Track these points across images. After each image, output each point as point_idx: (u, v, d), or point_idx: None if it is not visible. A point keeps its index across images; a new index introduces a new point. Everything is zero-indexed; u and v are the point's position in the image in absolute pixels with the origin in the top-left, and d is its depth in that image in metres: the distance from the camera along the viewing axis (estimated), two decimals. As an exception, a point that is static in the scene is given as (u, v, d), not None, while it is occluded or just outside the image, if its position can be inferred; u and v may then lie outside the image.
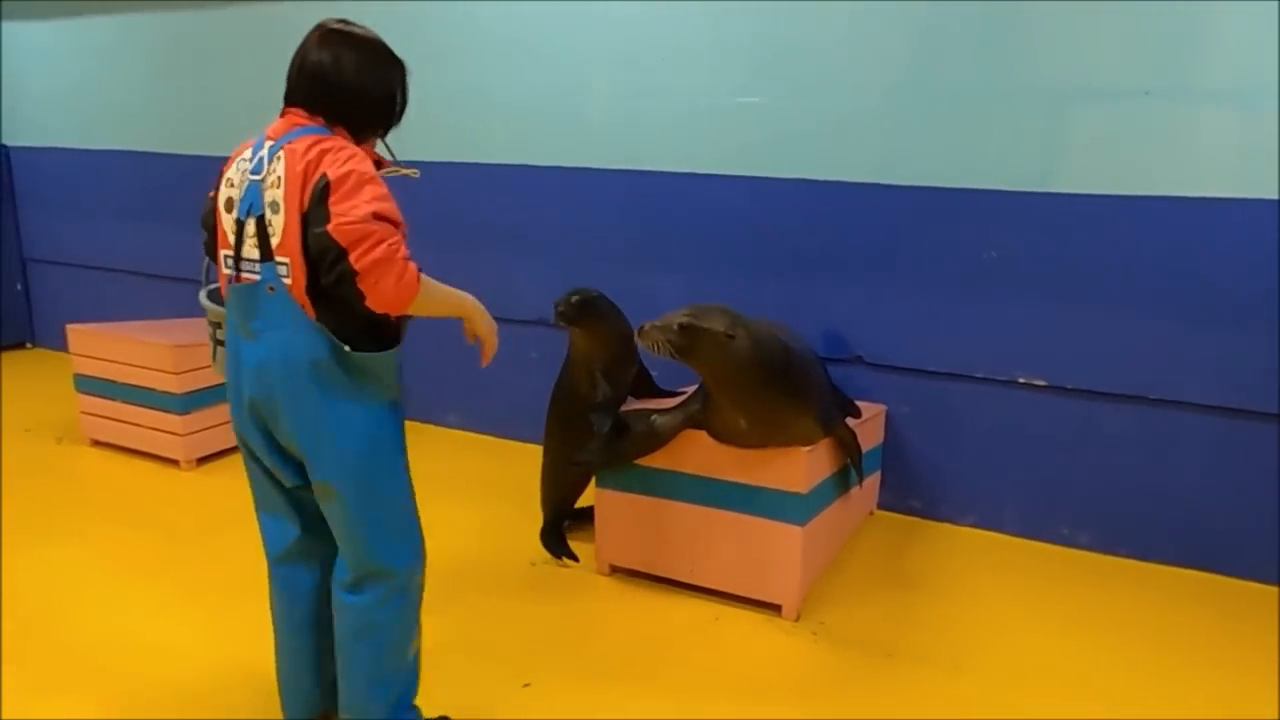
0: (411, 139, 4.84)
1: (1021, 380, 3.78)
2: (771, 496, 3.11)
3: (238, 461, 4.72)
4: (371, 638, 2.29)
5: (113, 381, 4.59)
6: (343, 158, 2.10)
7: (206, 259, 2.43)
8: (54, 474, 4.47)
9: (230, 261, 2.19)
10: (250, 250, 2.14)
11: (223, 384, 4.86)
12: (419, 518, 2.41)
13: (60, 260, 6.52)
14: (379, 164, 2.33)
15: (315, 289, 2.10)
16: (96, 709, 2.66)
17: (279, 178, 2.09)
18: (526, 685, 2.81)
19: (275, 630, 2.45)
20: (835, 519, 3.51)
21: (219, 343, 2.39)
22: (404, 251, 2.11)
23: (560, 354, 4.73)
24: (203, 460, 4.55)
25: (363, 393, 2.20)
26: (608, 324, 3.51)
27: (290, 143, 2.12)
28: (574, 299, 3.43)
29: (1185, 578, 3.59)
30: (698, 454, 3.21)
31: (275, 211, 2.10)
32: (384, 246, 2.05)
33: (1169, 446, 3.62)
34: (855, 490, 3.62)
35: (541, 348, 4.80)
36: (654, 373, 3.94)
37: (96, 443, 4.75)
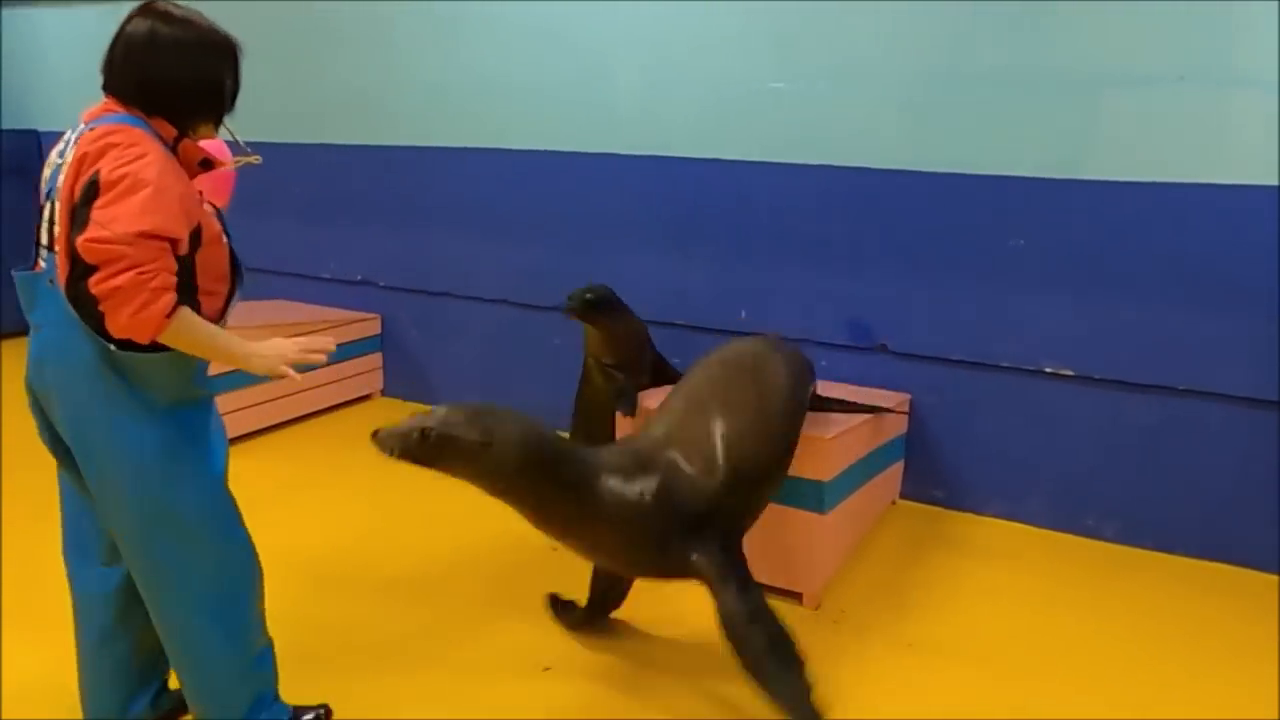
0: (435, 125, 4.92)
1: (1048, 370, 3.74)
2: (793, 484, 3.09)
3: (269, 441, 4.79)
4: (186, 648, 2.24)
5: (328, 351, 4.65)
6: (127, 156, 1.91)
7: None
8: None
9: (34, 247, 2.09)
10: (44, 237, 2.05)
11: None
12: (233, 526, 2.28)
13: (91, 244, 6.61)
14: (209, 162, 2.21)
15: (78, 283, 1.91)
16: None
17: (68, 165, 1.97)
18: (547, 669, 2.84)
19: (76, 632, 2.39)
20: (857, 508, 3.49)
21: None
22: (159, 281, 1.89)
23: (582, 341, 4.76)
24: (234, 440, 4.57)
25: (138, 397, 2.05)
26: (615, 322, 3.58)
27: (91, 130, 1.99)
28: (586, 295, 3.54)
29: (1213, 571, 3.55)
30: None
31: (57, 200, 1.99)
32: (131, 274, 1.85)
33: (1198, 438, 3.57)
34: (879, 478, 3.61)
35: (565, 335, 4.81)
36: (674, 360, 3.94)
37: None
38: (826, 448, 3.05)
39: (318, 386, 5.04)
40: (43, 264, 2.05)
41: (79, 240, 1.85)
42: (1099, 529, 3.78)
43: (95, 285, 1.84)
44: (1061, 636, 3.07)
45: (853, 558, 3.53)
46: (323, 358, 2.23)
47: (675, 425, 2.62)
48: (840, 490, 3.23)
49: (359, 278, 5.37)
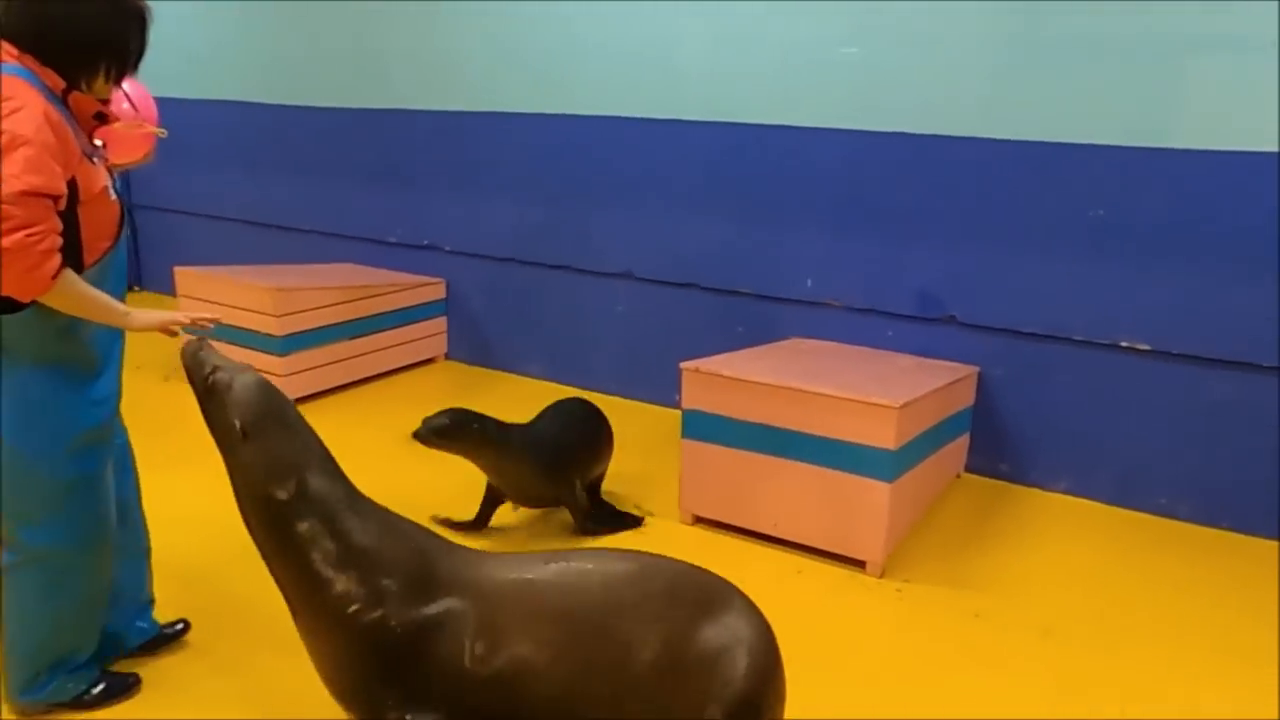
0: (504, 90, 4.93)
1: (1124, 344, 3.65)
2: (861, 452, 3.08)
3: (334, 403, 4.89)
4: (11, 595, 2.24)
5: (216, 322, 4.76)
6: (27, 113, 1.91)
7: None
8: (160, 409, 4.66)
9: None
10: None
11: (321, 327, 4.99)
12: (94, 500, 2.25)
13: (165, 207, 6.78)
14: (104, 116, 2.17)
15: None
16: (205, 627, 2.80)
17: None
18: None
19: None
20: (923, 478, 3.46)
21: None
22: (48, 243, 1.93)
23: (647, 308, 4.77)
24: (300, 400, 4.71)
25: (12, 351, 2.07)
26: (476, 446, 3.17)
27: None
28: (433, 422, 3.10)
29: (1291, 554, 3.45)
30: (788, 408, 3.19)
31: None
32: (20, 236, 1.88)
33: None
34: (945, 449, 3.57)
35: (627, 301, 4.82)
36: (738, 331, 3.91)
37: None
38: (895, 416, 3.02)
39: (384, 350, 5.12)
40: None
41: None
42: (1172, 508, 3.69)
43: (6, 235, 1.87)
44: (1133, 614, 3.02)
45: (917, 528, 3.50)
46: (207, 326, 2.31)
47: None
48: (907, 459, 3.20)
49: (425, 243, 5.44)
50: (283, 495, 1.96)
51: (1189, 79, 3.40)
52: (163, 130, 2.48)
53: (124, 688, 2.43)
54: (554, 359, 5.16)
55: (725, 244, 4.46)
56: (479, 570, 2.01)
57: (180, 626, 2.69)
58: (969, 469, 4.05)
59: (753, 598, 3.05)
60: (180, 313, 2.25)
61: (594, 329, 4.98)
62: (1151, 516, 3.71)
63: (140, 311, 2.18)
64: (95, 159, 2.16)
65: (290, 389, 4.64)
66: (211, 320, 2.31)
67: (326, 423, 4.44)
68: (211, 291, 4.79)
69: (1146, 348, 3.62)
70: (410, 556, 1.98)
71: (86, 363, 2.20)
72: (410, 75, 5.28)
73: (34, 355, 2.11)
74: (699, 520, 3.52)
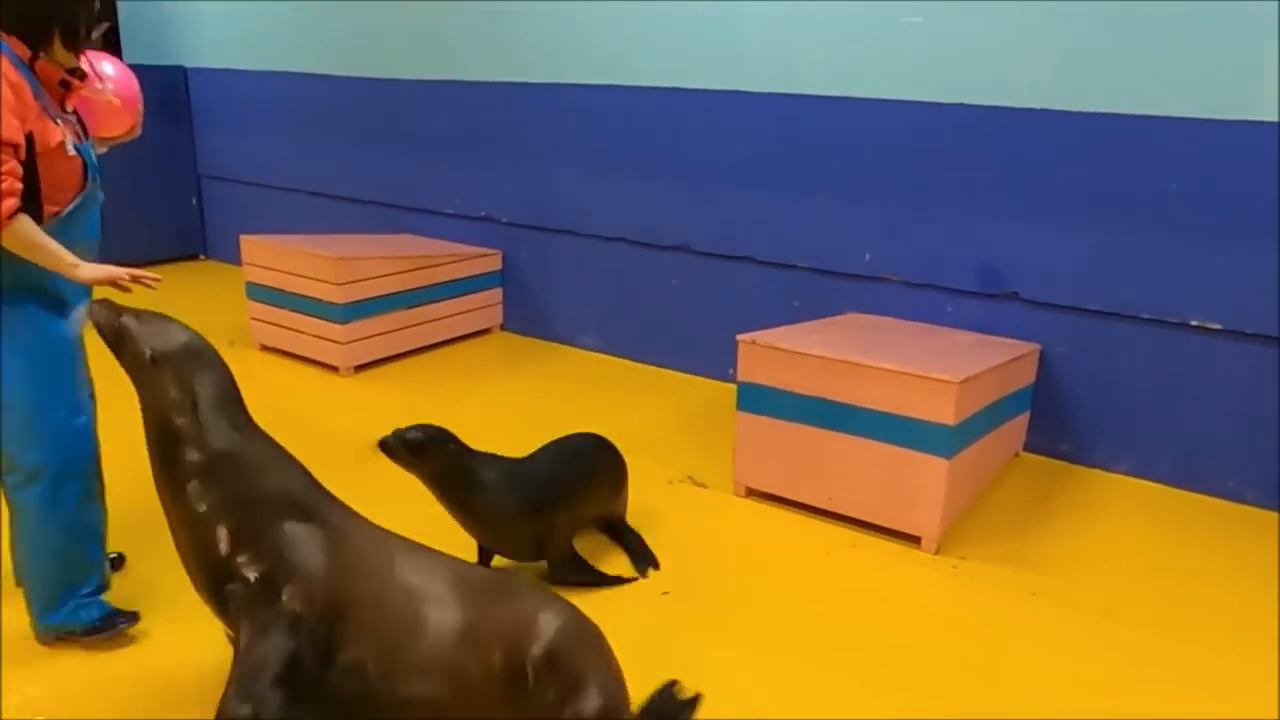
0: (563, 61, 4.93)
1: (1194, 323, 3.56)
2: (919, 427, 3.05)
3: (393, 370, 4.98)
4: (21, 519, 2.48)
5: (280, 290, 4.88)
6: None
7: None
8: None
9: None
10: None
11: (380, 296, 5.07)
12: (72, 417, 2.44)
13: (231, 177, 6.92)
14: (68, 83, 2.39)
15: None
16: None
17: None
18: (666, 594, 2.90)
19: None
20: (981, 455, 3.42)
21: None
22: (6, 185, 2.15)
23: (702, 281, 4.76)
24: (360, 368, 4.81)
25: None
26: (437, 468, 2.77)
27: None
28: (406, 435, 2.73)
29: (1365, 541, 3.35)
30: (845, 382, 3.17)
31: None
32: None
33: (1358, 401, 3.35)
34: (1004, 427, 3.52)
35: (682, 275, 4.82)
36: (794, 304, 3.89)
37: (265, 347, 5.08)
38: (955, 391, 2.99)
39: (440, 320, 5.19)
40: None
41: None
42: (1239, 491, 3.60)
43: None
44: (1196, 598, 2.95)
45: (973, 506, 3.47)
46: (150, 284, 2.42)
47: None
48: (965, 436, 3.17)
49: (482, 214, 5.48)
50: (180, 422, 2.12)
51: (1266, 49, 3.27)
52: (116, 99, 2.70)
53: (126, 619, 2.59)
54: (608, 331, 5.18)
55: (782, 217, 4.43)
56: (345, 520, 2.19)
57: (115, 557, 2.86)
58: (1028, 448, 3.99)
59: (806, 570, 3.09)
60: (126, 270, 2.40)
61: (648, 302, 4.98)
62: (1217, 500, 3.62)
63: (88, 264, 2.35)
64: (59, 120, 2.35)
65: (350, 356, 4.74)
66: (153, 279, 2.44)
67: (383, 389, 4.60)
68: (276, 260, 4.89)
69: (1218, 327, 3.52)
70: (278, 488, 2.15)
71: (57, 305, 2.42)
72: (470, 47, 5.31)
73: (15, 287, 2.33)
74: (752, 493, 3.53)
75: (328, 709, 2.05)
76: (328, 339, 4.75)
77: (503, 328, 5.58)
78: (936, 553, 3.15)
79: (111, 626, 2.56)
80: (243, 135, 6.73)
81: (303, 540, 2.09)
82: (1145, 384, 3.71)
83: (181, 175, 7.06)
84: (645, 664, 2.54)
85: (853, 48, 4.08)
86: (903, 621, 2.81)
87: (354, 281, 4.68)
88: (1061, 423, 3.92)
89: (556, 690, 1.94)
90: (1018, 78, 3.72)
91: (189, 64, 6.87)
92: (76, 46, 2.40)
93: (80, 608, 2.53)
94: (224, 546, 2.07)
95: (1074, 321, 3.80)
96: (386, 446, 2.64)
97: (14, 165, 2.19)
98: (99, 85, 2.66)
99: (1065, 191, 3.71)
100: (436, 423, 4.17)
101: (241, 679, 1.98)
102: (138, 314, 2.23)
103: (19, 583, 2.63)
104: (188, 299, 6.24)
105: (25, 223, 2.23)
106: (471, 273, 5.32)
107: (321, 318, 4.73)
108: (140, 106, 2.83)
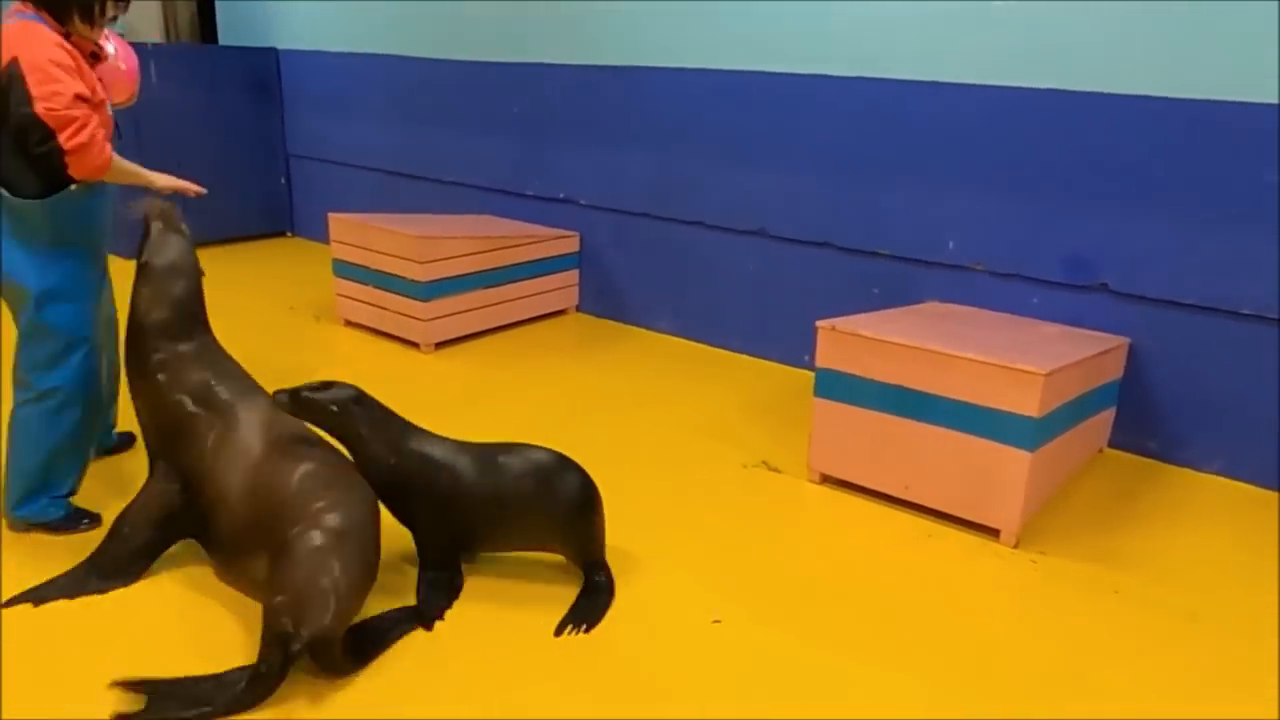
0: (643, 44, 4.93)
1: (1296, 320, 3.42)
2: (1002, 419, 3.00)
3: (471, 348, 5.08)
4: (16, 427, 2.87)
5: (365, 268, 5.01)
6: (46, 44, 2.59)
7: None
8: (310, 348, 4.96)
9: None
10: None
11: (461, 275, 5.19)
12: (93, 353, 2.88)
13: (318, 156, 7.11)
14: (97, 55, 2.86)
15: None
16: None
17: None
18: (716, 622, 2.91)
19: None
20: (1064, 449, 3.35)
21: None
22: (102, 133, 2.67)
23: (780, 267, 4.74)
24: (440, 345, 4.92)
25: (25, 235, 2.71)
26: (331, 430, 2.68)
27: (6, 23, 2.64)
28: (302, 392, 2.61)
29: None
30: (926, 371, 3.14)
31: None
32: (86, 131, 2.61)
33: None
34: (1089, 421, 3.44)
35: (760, 259, 4.80)
36: (873, 291, 3.84)
37: (349, 323, 5.23)
38: (1040, 383, 2.93)
39: (517, 300, 5.26)
40: None
41: (36, 109, 2.54)
42: (1339, 496, 3.46)
43: (66, 142, 2.59)
44: (1288, 602, 2.86)
45: (1055, 501, 3.40)
46: (200, 191, 3.04)
47: None
48: (1049, 429, 3.11)
49: (561, 196, 5.53)
50: (156, 317, 2.70)
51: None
52: (124, 66, 3.21)
53: (88, 520, 3.00)
54: (683, 315, 5.20)
55: (863, 203, 4.38)
56: (253, 400, 2.70)
57: (128, 436, 3.49)
58: (1113, 444, 3.89)
59: (881, 559, 3.07)
60: (188, 183, 3.03)
61: (725, 286, 4.98)
62: (1315, 504, 3.49)
63: (160, 174, 2.98)
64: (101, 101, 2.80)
65: (431, 333, 4.85)
66: (197, 193, 3.05)
67: (465, 366, 4.68)
68: (361, 237, 5.01)
69: (1321, 324, 3.38)
70: (200, 379, 2.68)
71: (87, 247, 2.85)
72: (552, 30, 5.35)
73: (50, 239, 2.75)
74: (826, 479, 3.52)
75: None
76: (410, 316, 4.86)
77: (578, 309, 5.64)
78: (1015, 546, 3.10)
79: (74, 525, 2.97)
80: (330, 116, 6.91)
81: (201, 418, 2.63)
82: (1241, 381, 3.59)
83: (271, 154, 7.27)
84: (713, 646, 2.57)
85: (942, 31, 4.00)
86: (978, 615, 2.77)
87: (436, 260, 4.78)
88: (1150, 419, 3.81)
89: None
90: (1114, 62, 3.61)
91: (280, 46, 7.07)
92: (93, 25, 2.76)
93: (50, 506, 2.94)
94: (146, 418, 2.75)
95: (1166, 315, 3.68)
96: (277, 401, 2.60)
97: (102, 115, 2.69)
98: (109, 56, 3.08)
99: (1160, 181, 3.59)
100: (512, 402, 4.25)
101: (125, 511, 2.70)
102: (165, 227, 2.77)
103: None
104: (276, 274, 6.47)
105: (116, 156, 2.77)
106: (549, 254, 5.38)
107: (405, 295, 4.84)
108: (139, 78, 3.33)
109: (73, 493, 2.99)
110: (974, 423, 3.07)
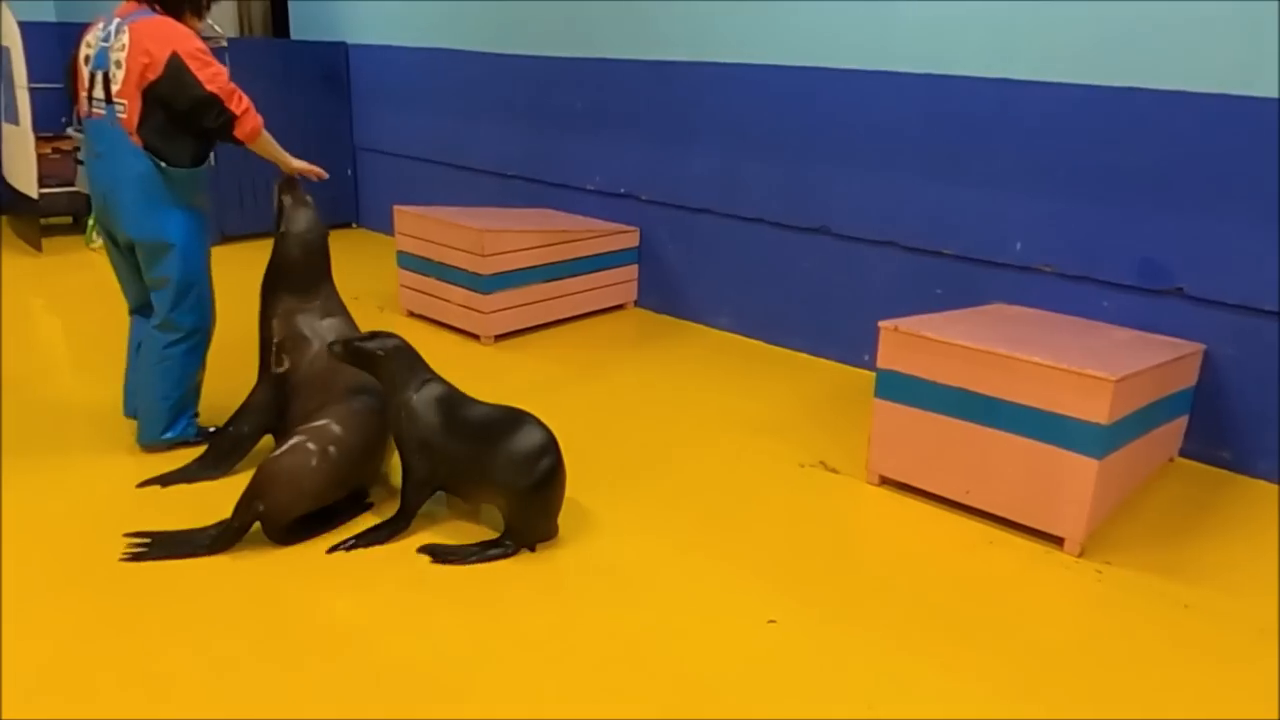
0: (709, 39, 4.91)
1: (1385, 329, 3.28)
2: (1069, 425, 2.94)
3: (530, 341, 5.12)
4: (164, 365, 3.38)
5: (428, 260, 5.08)
6: (187, 35, 3.12)
7: (77, 106, 3.35)
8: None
9: (86, 100, 3.23)
10: (98, 93, 3.17)
11: (522, 269, 5.27)
12: (212, 295, 3.46)
13: (384, 149, 7.23)
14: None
15: (148, 124, 3.13)
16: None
17: (124, 45, 3.08)
18: (772, 622, 2.89)
19: (127, 356, 3.67)
20: (1133, 458, 3.26)
21: (79, 162, 3.39)
22: (253, 106, 3.22)
23: (841, 265, 4.69)
24: (500, 337, 4.97)
25: (173, 199, 3.25)
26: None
27: (133, 22, 3.10)
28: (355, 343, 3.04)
29: None
30: (992, 374, 3.08)
31: (119, 68, 3.09)
32: (245, 100, 3.18)
33: None
34: (1160, 429, 3.35)
35: (821, 257, 4.76)
36: (936, 292, 3.78)
37: (411, 314, 5.31)
38: (1111, 390, 2.85)
39: (577, 294, 5.30)
40: (101, 111, 3.18)
41: (209, 88, 3.09)
42: None
43: (236, 109, 3.16)
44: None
45: (1122, 510, 3.32)
46: (323, 174, 3.54)
47: None
48: (1119, 436, 3.03)
49: (622, 190, 5.55)
50: (287, 273, 3.36)
51: None
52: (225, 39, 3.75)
53: (209, 435, 3.54)
54: (743, 312, 5.17)
55: (929, 202, 4.31)
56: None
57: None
58: (1185, 453, 3.77)
59: (940, 564, 3.03)
60: (315, 167, 3.52)
61: (785, 284, 4.95)
62: (1400, 522, 3.35)
63: (292, 157, 3.46)
64: None
65: (491, 326, 4.91)
66: (319, 175, 3.54)
67: (521, 359, 4.74)
68: (425, 230, 5.09)
69: None
70: (308, 323, 3.34)
71: (205, 209, 3.43)
72: (617, 25, 5.36)
73: (187, 201, 3.30)
74: (885, 481, 3.48)
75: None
76: (471, 308, 4.92)
77: (637, 304, 5.65)
78: (1080, 556, 3.03)
79: (206, 439, 3.51)
80: (396, 109, 7.02)
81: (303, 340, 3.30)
82: (1323, 392, 3.46)
83: (339, 147, 7.41)
84: (767, 646, 2.56)
85: (1013, 26, 3.92)
86: (1040, 625, 2.72)
87: (497, 254, 4.83)
88: (1225, 428, 3.69)
89: None
90: (1197, 60, 3.49)
91: (350, 40, 7.20)
92: (200, 18, 3.28)
93: (188, 426, 3.53)
94: (264, 337, 3.38)
95: (1244, 322, 3.56)
96: (333, 351, 3.04)
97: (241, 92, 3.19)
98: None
99: (1241, 183, 3.47)
100: (570, 396, 4.29)
101: (234, 414, 3.40)
102: (294, 200, 3.38)
103: (134, 414, 3.60)
104: (342, 264, 6.53)
105: (260, 132, 3.27)
106: (609, 249, 5.40)
107: (467, 287, 4.90)
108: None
109: (198, 415, 3.60)
110: (1040, 428, 3.00)
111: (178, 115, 3.13)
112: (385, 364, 2.99)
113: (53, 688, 2.30)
